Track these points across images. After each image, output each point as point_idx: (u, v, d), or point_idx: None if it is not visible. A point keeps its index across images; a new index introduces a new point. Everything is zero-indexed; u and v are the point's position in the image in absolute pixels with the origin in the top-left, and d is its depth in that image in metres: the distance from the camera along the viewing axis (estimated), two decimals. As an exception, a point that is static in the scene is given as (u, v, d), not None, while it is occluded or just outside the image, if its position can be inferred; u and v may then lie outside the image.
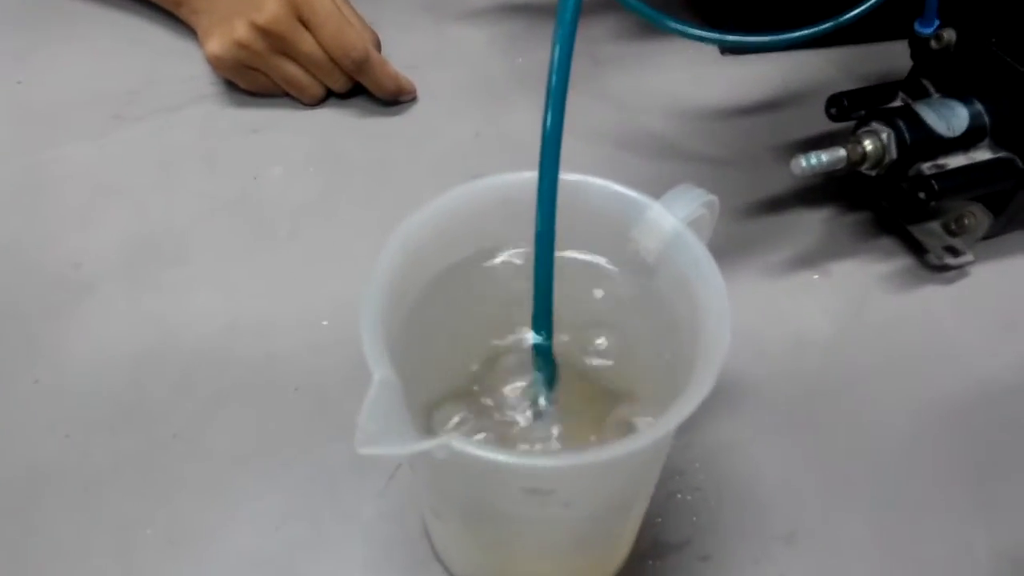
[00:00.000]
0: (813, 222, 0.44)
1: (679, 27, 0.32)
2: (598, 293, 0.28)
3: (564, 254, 0.29)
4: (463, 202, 0.28)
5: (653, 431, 0.21)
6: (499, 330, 0.27)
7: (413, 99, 0.51)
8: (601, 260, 0.29)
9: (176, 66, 0.53)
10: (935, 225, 0.42)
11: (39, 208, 0.45)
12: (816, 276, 0.42)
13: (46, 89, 0.52)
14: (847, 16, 0.38)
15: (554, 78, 0.22)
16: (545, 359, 0.26)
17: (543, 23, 0.55)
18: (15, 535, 0.33)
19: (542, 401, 0.26)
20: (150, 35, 0.55)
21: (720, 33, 0.34)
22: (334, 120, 0.50)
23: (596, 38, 0.54)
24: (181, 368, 0.38)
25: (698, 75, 0.52)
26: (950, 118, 0.40)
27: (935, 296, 0.41)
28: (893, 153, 0.39)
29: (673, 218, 0.26)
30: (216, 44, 0.48)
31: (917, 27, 0.41)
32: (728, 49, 0.54)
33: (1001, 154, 0.40)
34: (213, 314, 0.40)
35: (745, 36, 0.35)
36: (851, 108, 0.41)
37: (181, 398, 0.37)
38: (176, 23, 0.54)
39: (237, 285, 0.41)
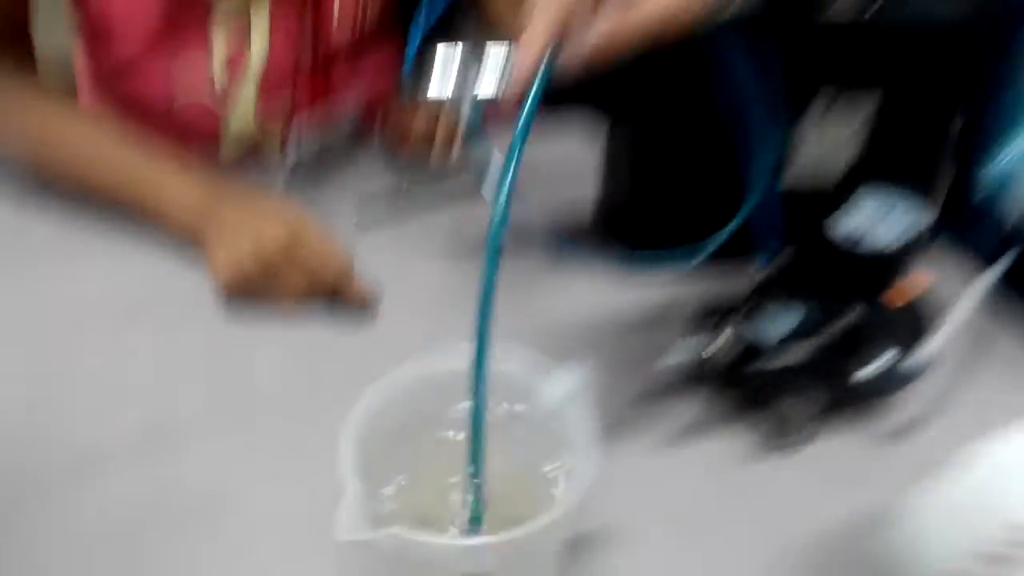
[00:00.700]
0: (688, 406, 0.56)
1: (584, 261, 0.46)
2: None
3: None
4: (418, 372, 0.39)
5: (541, 521, 0.32)
6: (447, 464, 0.37)
7: (377, 310, 0.63)
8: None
9: (183, 275, 0.65)
10: (774, 411, 0.54)
11: (61, 393, 0.55)
12: (688, 448, 0.53)
13: (69, 290, 0.64)
14: (703, 252, 0.53)
15: (482, 300, 0.35)
16: (477, 491, 0.36)
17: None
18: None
19: (473, 514, 0.36)
20: (161, 247, 0.67)
21: (617, 262, 0.47)
22: (314, 324, 0.62)
23: (526, 267, 0.68)
24: (176, 522, 0.47)
25: (602, 289, 0.66)
26: (783, 323, 0.53)
27: (783, 462, 0.52)
28: (733, 355, 0.52)
29: (563, 385, 0.38)
30: (223, 274, 0.61)
31: (757, 265, 0.56)
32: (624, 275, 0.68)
33: (824, 348, 0.53)
34: (208, 480, 0.50)
35: (630, 264, 0.48)
36: (706, 317, 0.54)
37: (176, 546, 0.46)
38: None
39: (228, 457, 0.51)
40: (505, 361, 0.39)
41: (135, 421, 0.54)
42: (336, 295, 0.63)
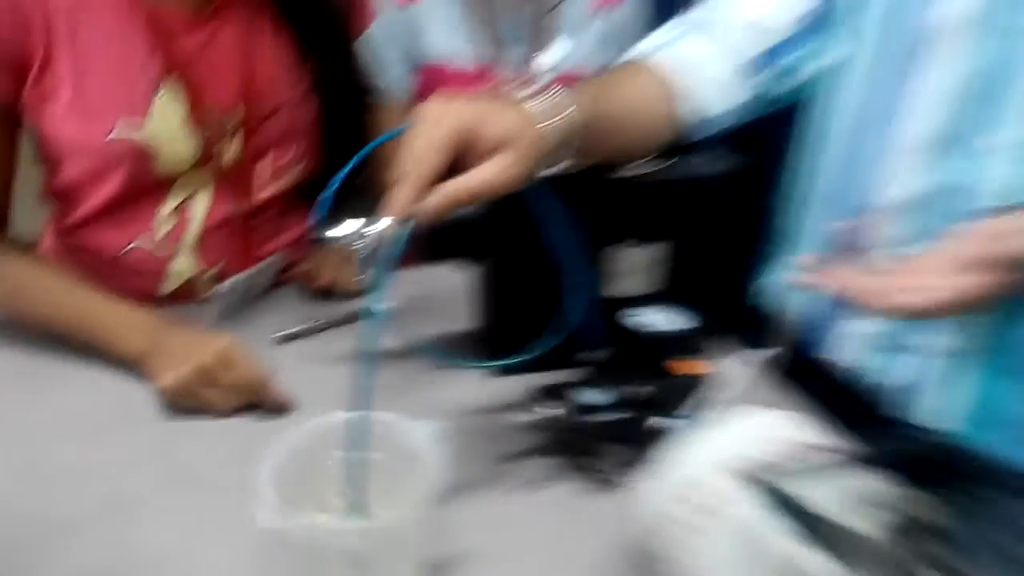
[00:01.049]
0: (535, 460, 0.73)
1: (461, 364, 0.63)
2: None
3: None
4: (315, 426, 0.56)
5: (399, 512, 0.48)
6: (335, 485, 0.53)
7: (290, 411, 0.79)
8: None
9: (134, 389, 0.80)
10: (598, 459, 0.71)
11: (40, 478, 0.69)
12: (535, 490, 0.70)
13: (44, 401, 0.79)
14: (533, 353, 0.71)
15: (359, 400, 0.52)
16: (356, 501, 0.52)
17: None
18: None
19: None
20: (116, 369, 0.83)
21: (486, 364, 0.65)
22: (242, 422, 0.77)
23: (414, 369, 0.85)
24: None
25: (473, 381, 0.83)
26: (603, 393, 0.72)
27: (605, 497, 0.69)
28: (566, 418, 0.69)
29: (424, 430, 0.55)
30: (167, 388, 0.77)
31: (586, 355, 0.75)
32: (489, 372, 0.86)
33: (632, 411, 0.71)
34: (158, 543, 0.64)
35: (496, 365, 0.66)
36: (548, 392, 0.72)
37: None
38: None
39: (174, 525, 0.65)
40: (380, 416, 0.56)
41: (99, 498, 0.68)
42: (258, 402, 0.78)
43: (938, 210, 0.73)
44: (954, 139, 0.71)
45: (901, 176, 0.75)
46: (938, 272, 0.64)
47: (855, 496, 0.39)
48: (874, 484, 0.40)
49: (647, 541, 0.50)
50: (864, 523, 0.38)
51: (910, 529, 0.38)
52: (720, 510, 0.45)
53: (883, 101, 0.77)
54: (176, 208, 0.90)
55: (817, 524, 0.38)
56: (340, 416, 0.55)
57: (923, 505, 0.39)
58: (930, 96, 0.72)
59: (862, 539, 0.37)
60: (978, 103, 0.70)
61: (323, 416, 0.56)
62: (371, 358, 0.53)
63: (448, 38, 1.07)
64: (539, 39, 1.09)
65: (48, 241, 0.96)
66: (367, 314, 0.55)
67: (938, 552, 0.36)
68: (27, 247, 0.90)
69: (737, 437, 0.49)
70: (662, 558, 0.49)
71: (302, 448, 0.54)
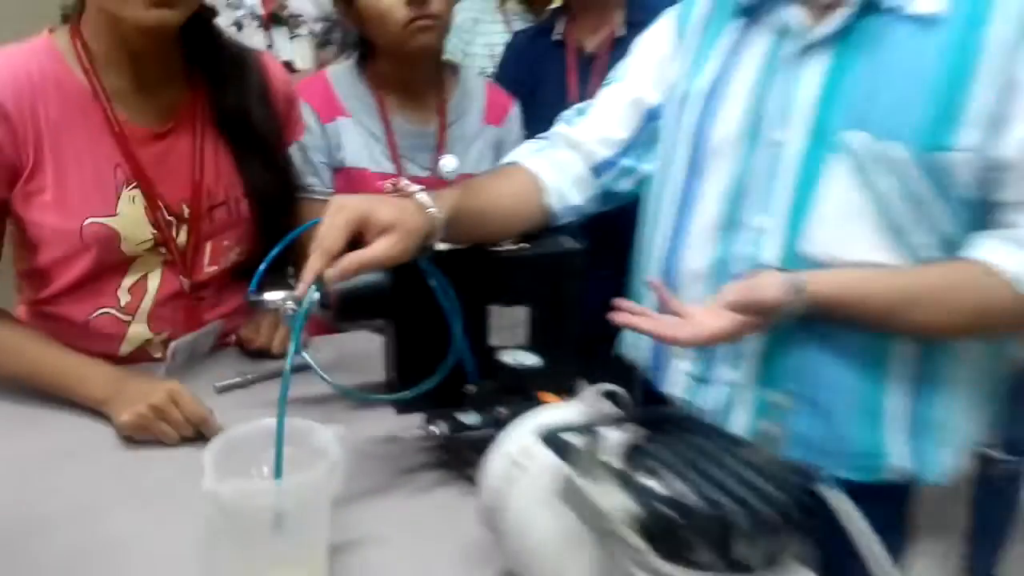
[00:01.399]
0: (430, 468, 0.92)
1: (363, 398, 0.83)
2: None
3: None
4: (251, 427, 0.74)
5: (309, 475, 0.67)
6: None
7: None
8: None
9: (98, 426, 0.98)
10: (477, 466, 0.91)
11: (23, 486, 0.85)
12: (427, 490, 0.89)
13: (38, 439, 0.95)
14: (424, 387, 0.91)
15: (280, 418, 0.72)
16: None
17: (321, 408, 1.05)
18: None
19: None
20: (81, 411, 1.00)
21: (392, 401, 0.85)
22: (187, 449, 0.95)
23: (336, 407, 1.04)
24: (99, 565, 0.77)
25: (383, 414, 1.02)
26: (481, 414, 0.91)
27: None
28: (451, 433, 0.89)
29: (328, 432, 0.75)
30: (125, 417, 0.94)
31: (468, 386, 0.95)
32: (399, 408, 1.05)
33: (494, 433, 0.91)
34: (120, 537, 0.80)
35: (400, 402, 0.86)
36: (438, 416, 0.92)
37: None
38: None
39: (133, 523, 0.82)
40: (295, 421, 0.75)
41: (72, 504, 0.85)
42: (200, 434, 0.96)
43: (727, 275, 0.97)
44: (733, 222, 0.97)
45: (699, 250, 1.00)
46: (709, 314, 0.88)
47: (605, 438, 0.60)
48: (620, 433, 0.61)
49: (491, 500, 0.70)
50: (606, 452, 0.59)
51: (633, 453, 0.59)
52: (527, 461, 0.65)
53: (688, 193, 1.03)
54: (135, 283, 1.09)
55: (575, 455, 0.59)
56: (267, 421, 0.74)
57: (644, 439, 0.60)
58: (713, 191, 0.98)
59: (602, 461, 0.57)
60: (747, 196, 0.96)
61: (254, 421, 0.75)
62: (288, 374, 0.73)
63: (360, 150, 1.33)
64: (435, 151, 1.35)
65: (21, 311, 1.14)
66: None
67: (647, 463, 0.57)
68: (2, 312, 1.07)
69: (547, 417, 0.70)
70: (499, 508, 0.69)
71: (237, 440, 0.73)
